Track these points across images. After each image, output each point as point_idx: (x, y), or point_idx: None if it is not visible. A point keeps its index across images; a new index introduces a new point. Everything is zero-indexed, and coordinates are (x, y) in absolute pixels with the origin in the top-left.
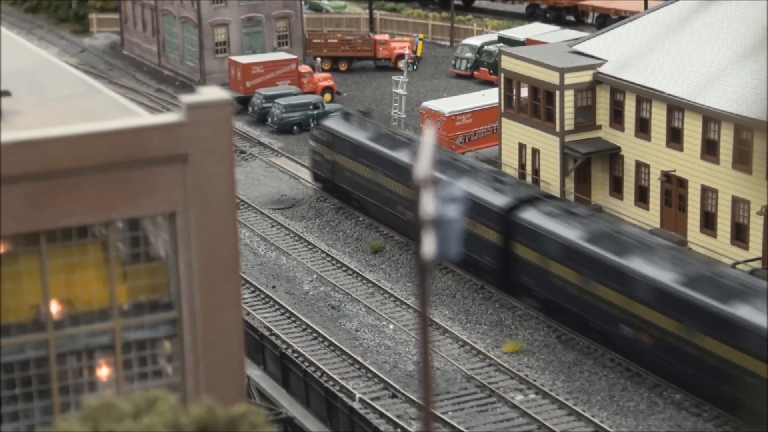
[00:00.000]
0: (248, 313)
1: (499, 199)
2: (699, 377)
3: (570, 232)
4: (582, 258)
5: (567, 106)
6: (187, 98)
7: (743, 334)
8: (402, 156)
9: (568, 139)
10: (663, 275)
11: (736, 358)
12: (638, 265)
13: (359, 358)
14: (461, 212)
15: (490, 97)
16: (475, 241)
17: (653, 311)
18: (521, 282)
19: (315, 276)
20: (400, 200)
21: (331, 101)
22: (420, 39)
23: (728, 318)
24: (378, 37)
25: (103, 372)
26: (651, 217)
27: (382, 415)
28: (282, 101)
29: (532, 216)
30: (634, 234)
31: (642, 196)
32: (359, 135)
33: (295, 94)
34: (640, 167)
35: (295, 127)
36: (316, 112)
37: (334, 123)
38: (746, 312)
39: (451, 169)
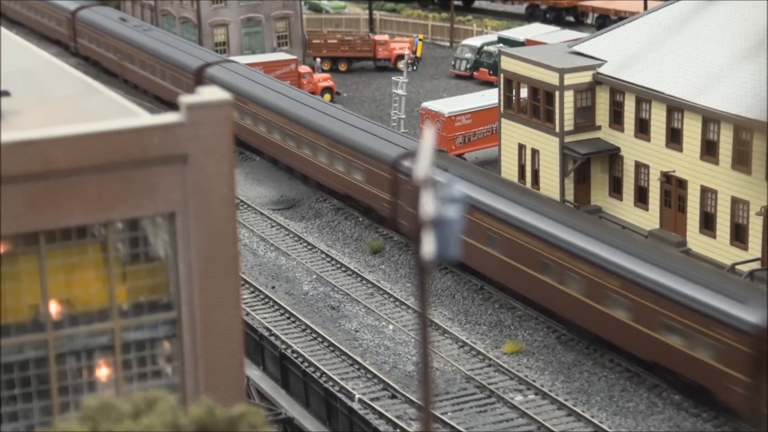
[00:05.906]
0: (248, 314)
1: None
2: None
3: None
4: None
5: (566, 106)
6: (186, 98)
7: None
8: None
9: (567, 139)
10: None
11: None
12: None
13: (359, 359)
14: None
15: (489, 97)
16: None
17: None
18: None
19: (314, 276)
20: None
21: (331, 102)
22: (420, 39)
23: None
24: (378, 37)
25: (103, 372)
26: (650, 217)
27: (381, 416)
28: None
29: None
30: None
31: (641, 197)
32: None
33: None
34: (640, 168)
35: None
36: None
37: None
38: None
39: None
